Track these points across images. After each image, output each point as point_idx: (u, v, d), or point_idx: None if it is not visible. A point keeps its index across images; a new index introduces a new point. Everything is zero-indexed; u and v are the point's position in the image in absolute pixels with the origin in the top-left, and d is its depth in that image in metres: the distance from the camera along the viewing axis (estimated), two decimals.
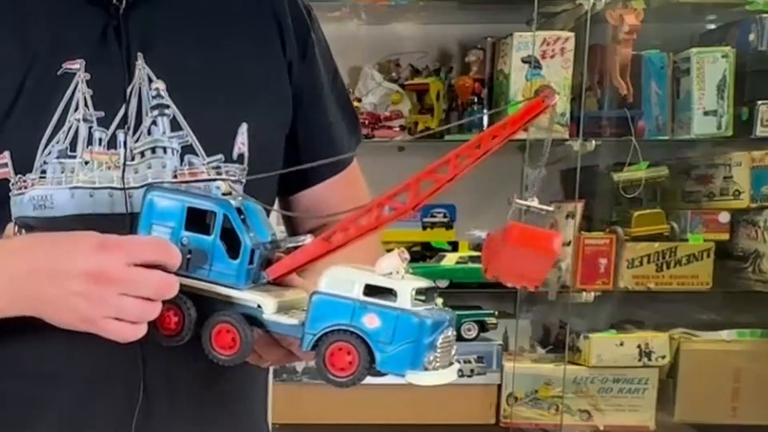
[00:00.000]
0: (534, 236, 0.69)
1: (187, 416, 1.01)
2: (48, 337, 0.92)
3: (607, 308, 2.28)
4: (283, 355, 0.85)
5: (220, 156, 1.00)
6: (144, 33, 1.00)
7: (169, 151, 1.00)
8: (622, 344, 2.15)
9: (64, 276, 0.83)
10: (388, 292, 0.71)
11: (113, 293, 0.80)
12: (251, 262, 0.76)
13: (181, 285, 0.77)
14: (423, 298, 0.72)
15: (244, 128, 1.01)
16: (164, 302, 0.79)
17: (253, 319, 0.77)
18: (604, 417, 2.17)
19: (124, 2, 1.00)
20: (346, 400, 2.13)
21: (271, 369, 1.31)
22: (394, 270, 0.71)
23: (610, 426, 2.18)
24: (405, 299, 0.70)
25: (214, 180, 0.99)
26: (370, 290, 0.72)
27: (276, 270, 0.78)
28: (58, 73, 0.99)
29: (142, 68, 1.00)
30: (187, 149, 0.99)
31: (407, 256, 0.72)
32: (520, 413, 2.17)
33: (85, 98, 0.99)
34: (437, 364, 0.71)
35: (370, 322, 0.71)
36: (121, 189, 0.98)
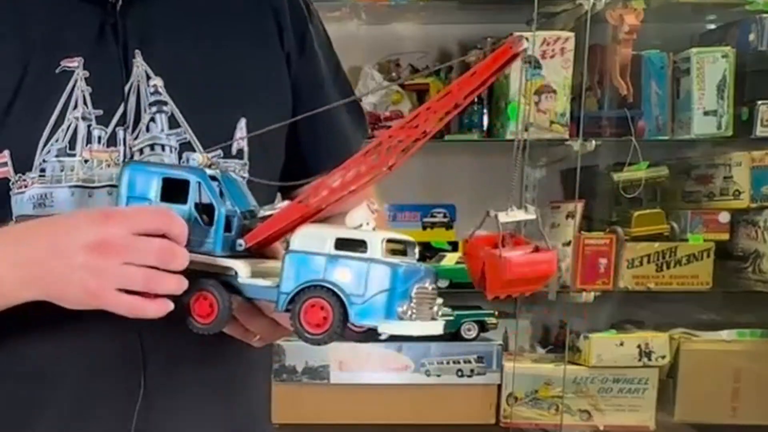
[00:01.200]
0: (531, 266, 0.71)
1: (187, 410, 1.01)
2: (46, 336, 0.93)
3: (607, 308, 2.26)
4: (269, 326, 0.85)
5: (218, 152, 0.99)
6: (141, 30, 1.00)
7: (167, 148, 1.00)
8: (622, 344, 2.14)
9: (67, 251, 0.82)
10: (361, 246, 0.71)
11: (116, 263, 0.80)
12: (228, 229, 0.76)
13: None
14: (401, 250, 0.72)
15: (242, 123, 1.01)
16: (195, 290, 0.79)
17: (231, 287, 0.77)
18: (604, 417, 2.15)
19: (120, 2, 1.00)
20: (346, 400, 2.21)
21: (271, 363, 1.30)
22: (363, 222, 0.71)
23: (610, 426, 2.15)
24: (375, 250, 0.69)
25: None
26: (342, 244, 0.71)
27: (253, 236, 0.78)
28: (57, 71, 0.99)
29: (140, 65, 1.00)
30: (185, 146, 0.99)
31: (377, 207, 0.71)
32: (520, 413, 2.15)
33: (84, 96, 0.99)
34: (413, 315, 0.69)
35: (342, 275, 0.70)
36: None
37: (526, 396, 2.17)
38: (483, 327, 2.16)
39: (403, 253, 0.71)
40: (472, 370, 2.11)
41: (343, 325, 0.70)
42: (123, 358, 0.96)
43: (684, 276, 2.16)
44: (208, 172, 0.79)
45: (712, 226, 2.14)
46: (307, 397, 2.12)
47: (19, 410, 0.99)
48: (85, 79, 0.99)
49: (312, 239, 0.72)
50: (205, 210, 0.78)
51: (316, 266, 0.71)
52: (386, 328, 0.68)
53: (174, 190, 0.79)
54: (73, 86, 0.99)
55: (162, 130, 1.00)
